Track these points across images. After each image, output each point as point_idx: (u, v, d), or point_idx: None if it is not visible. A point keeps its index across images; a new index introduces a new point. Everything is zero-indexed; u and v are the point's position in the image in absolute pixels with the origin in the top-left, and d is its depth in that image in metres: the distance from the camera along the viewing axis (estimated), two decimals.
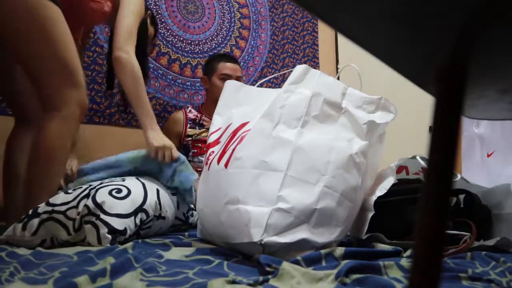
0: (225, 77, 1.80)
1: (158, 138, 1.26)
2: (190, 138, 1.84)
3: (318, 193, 0.80)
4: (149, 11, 1.54)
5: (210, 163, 0.94)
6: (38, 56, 1.09)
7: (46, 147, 1.08)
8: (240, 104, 1.01)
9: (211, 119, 1.74)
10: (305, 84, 0.88)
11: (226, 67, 1.86)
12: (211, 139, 1.02)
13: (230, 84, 1.07)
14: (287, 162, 0.81)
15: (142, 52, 1.40)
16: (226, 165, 0.87)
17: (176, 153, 1.24)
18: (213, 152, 0.97)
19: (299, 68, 0.89)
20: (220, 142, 0.98)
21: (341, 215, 0.84)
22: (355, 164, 0.86)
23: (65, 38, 1.12)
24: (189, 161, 1.83)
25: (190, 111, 1.91)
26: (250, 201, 0.80)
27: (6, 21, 1.07)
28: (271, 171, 0.81)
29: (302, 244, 0.78)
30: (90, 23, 1.43)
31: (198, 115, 1.90)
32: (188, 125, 1.87)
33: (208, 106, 1.89)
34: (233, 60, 1.96)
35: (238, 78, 1.82)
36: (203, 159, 1.78)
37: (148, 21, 1.52)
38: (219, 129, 1.02)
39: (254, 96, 0.99)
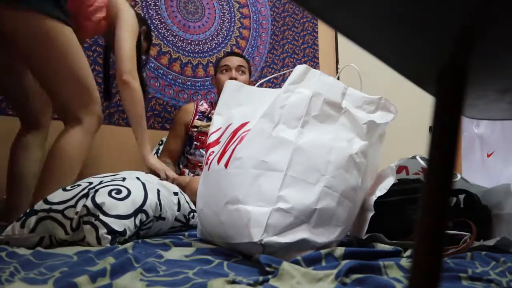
0: (225, 68, 1.87)
1: (158, 162, 1.45)
2: (196, 129, 1.86)
3: (318, 193, 0.80)
4: (143, 27, 1.59)
5: (210, 163, 0.94)
6: (57, 78, 1.16)
7: (66, 151, 1.14)
8: (240, 104, 1.01)
9: None
10: (305, 84, 0.87)
11: (226, 60, 1.91)
12: (211, 139, 1.02)
13: (230, 84, 1.06)
14: (287, 162, 0.81)
15: (138, 67, 1.46)
16: (226, 165, 0.87)
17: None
18: (213, 152, 0.97)
19: (299, 68, 0.89)
20: (220, 142, 0.98)
21: (341, 215, 0.84)
22: (355, 164, 0.86)
23: (80, 58, 1.20)
24: (191, 153, 1.84)
25: (202, 104, 1.95)
26: (250, 201, 0.80)
27: (27, 47, 1.13)
28: (271, 171, 0.81)
29: (302, 244, 0.78)
30: (83, 37, 1.46)
31: (208, 108, 1.93)
32: (197, 116, 1.90)
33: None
34: (234, 53, 2.01)
35: (239, 67, 1.86)
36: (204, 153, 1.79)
37: (142, 36, 1.58)
38: (219, 129, 1.02)
39: (254, 96, 0.99)
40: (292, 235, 0.77)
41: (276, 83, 2.52)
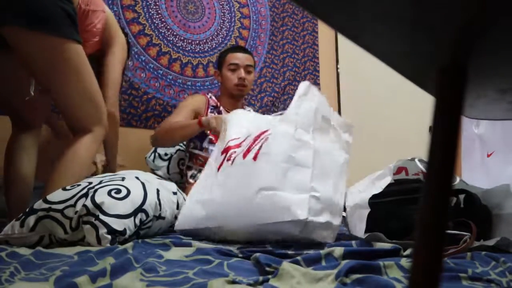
0: (233, 66, 1.79)
1: None
2: None
3: (331, 188, 0.97)
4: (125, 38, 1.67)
5: (234, 158, 1.04)
6: (73, 97, 1.21)
7: (78, 155, 1.20)
8: (251, 121, 1.16)
9: (227, 111, 1.76)
10: (309, 97, 1.01)
11: (234, 57, 1.82)
12: (231, 143, 1.11)
13: (235, 114, 1.26)
14: (311, 160, 0.95)
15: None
16: (255, 158, 0.98)
17: None
18: (235, 152, 1.08)
19: (304, 85, 1.02)
20: (241, 146, 1.08)
21: (341, 208, 1.01)
22: (343, 173, 1.03)
23: (91, 75, 1.23)
24: (203, 149, 1.72)
25: (211, 97, 1.86)
26: (286, 189, 0.93)
27: (43, 68, 1.15)
28: (299, 166, 0.95)
29: (327, 225, 0.95)
30: None
31: (218, 103, 1.85)
32: (209, 109, 1.82)
33: (223, 99, 1.87)
34: (243, 50, 1.90)
35: (247, 67, 1.79)
36: None
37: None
38: (238, 138, 1.13)
39: (262, 117, 1.20)
40: (322, 216, 0.94)
41: (276, 95, 2.52)
